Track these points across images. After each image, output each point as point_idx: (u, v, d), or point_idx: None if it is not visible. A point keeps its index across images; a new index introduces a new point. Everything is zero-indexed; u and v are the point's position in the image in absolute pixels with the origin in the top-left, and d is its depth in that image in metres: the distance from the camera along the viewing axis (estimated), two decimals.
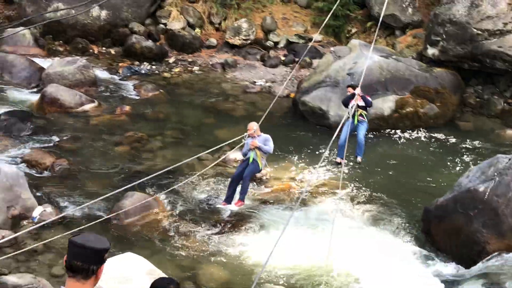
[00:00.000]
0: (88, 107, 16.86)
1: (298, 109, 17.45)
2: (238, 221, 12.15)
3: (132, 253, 9.57)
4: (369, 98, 12.53)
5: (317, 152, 15.19)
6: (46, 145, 14.61)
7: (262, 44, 22.29)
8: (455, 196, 11.76)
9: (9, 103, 16.78)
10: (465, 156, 15.47)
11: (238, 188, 12.63)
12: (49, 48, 20.91)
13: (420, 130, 16.82)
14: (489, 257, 10.80)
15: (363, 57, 17.23)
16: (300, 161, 14.75)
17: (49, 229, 11.13)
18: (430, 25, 19.10)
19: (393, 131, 16.78)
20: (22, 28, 19.02)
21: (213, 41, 22.43)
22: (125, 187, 9.03)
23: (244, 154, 12.70)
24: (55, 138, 14.96)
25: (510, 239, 10.88)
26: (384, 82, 17.14)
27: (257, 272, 10.49)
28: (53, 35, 21.40)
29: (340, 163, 12.57)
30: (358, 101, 12.38)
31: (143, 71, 20.32)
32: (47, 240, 9.42)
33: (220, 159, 12.43)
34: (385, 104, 16.91)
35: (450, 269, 11.09)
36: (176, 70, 20.74)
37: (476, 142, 16.20)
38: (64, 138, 15.03)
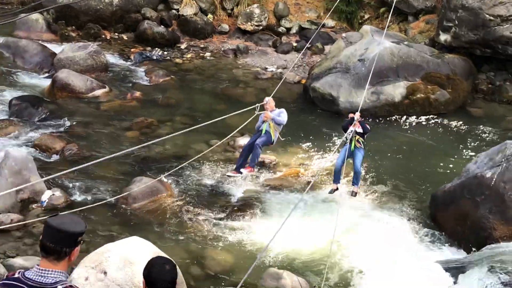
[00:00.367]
0: (99, 92, 16.93)
1: (309, 95, 17.41)
2: (245, 206, 12.23)
3: (138, 237, 9.63)
4: (368, 126, 12.38)
5: (326, 138, 15.21)
6: (56, 130, 14.72)
7: (274, 30, 22.20)
8: (463, 182, 11.78)
9: (20, 88, 16.91)
10: (475, 142, 15.40)
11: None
12: (62, 33, 20.94)
13: (431, 116, 16.71)
14: (495, 242, 10.82)
15: (375, 43, 17.18)
16: (309, 147, 14.77)
17: (58, 213, 11.24)
18: (442, 11, 18.94)
19: (404, 117, 16.70)
20: (34, 12, 19.16)
21: (225, 27, 22.38)
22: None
23: (258, 127, 12.54)
24: (66, 123, 15.07)
25: None
26: (395, 68, 17.05)
27: (262, 258, 10.58)
28: (66, 20, 21.43)
29: (336, 189, 12.37)
30: (356, 127, 12.24)
31: (154, 57, 20.32)
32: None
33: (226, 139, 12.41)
34: (396, 90, 16.83)
35: (457, 254, 11.09)
36: (188, 56, 20.74)
37: (486, 129, 16.09)
38: (74, 123, 15.13)
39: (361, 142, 12.19)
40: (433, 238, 11.54)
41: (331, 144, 14.82)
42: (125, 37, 21.56)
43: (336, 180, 12.24)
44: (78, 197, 12.07)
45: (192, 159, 11.94)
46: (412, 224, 11.99)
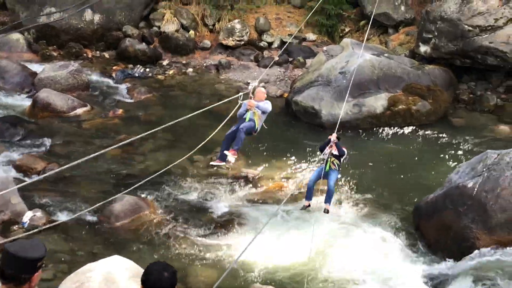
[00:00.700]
0: (80, 111, 16.85)
1: (291, 109, 17.40)
2: (228, 222, 12.17)
3: (119, 256, 9.52)
4: (344, 149, 12.32)
5: (309, 151, 15.15)
6: (37, 150, 14.61)
7: (256, 44, 22.20)
8: (445, 192, 11.77)
9: (1, 108, 16.80)
10: (457, 152, 15.38)
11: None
12: (42, 53, 20.83)
13: (413, 127, 16.70)
14: (478, 252, 10.79)
15: (355, 56, 17.17)
16: (293, 161, 14.71)
17: (39, 234, 11.11)
18: (422, 23, 19.06)
19: (386, 128, 16.68)
20: (14, 31, 19.07)
21: (207, 42, 22.36)
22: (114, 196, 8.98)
23: (240, 115, 11.91)
24: (47, 143, 14.95)
25: (499, 235, 10.85)
26: (376, 80, 17.08)
27: (247, 273, 10.52)
28: (47, 40, 21.32)
29: (308, 206, 12.31)
30: (332, 149, 12.23)
31: (136, 74, 20.24)
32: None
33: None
34: (377, 102, 16.85)
35: (440, 265, 11.04)
36: (170, 72, 20.68)
37: (469, 138, 16.10)
38: (56, 142, 15.03)
39: (336, 164, 12.11)
40: (416, 248, 11.51)
41: (314, 157, 14.76)
42: (106, 55, 21.47)
43: (308, 197, 12.18)
44: (59, 216, 11.94)
45: (162, 170, 11.54)
46: (395, 234, 11.93)
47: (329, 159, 12.11)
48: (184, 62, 21.47)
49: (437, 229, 11.54)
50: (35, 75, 18.29)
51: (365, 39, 16.75)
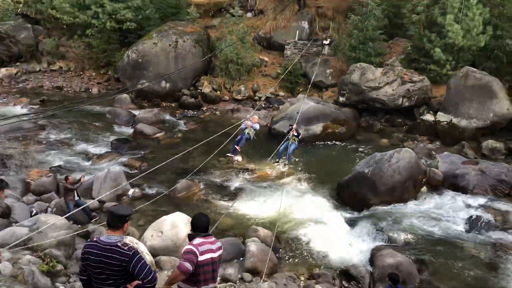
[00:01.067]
0: (159, 135, 16.80)
1: (271, 132, 17.35)
2: (238, 192, 12.10)
3: (180, 212, 9.55)
4: (300, 131, 12.55)
5: (281, 155, 15.10)
6: (136, 155, 14.59)
7: (252, 98, 22.17)
8: (353, 175, 11.83)
9: (117, 134, 16.77)
10: (360, 154, 15.33)
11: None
12: (139, 104, 20.84)
13: (336, 142, 16.64)
14: (372, 208, 10.83)
15: (305, 103, 17.25)
16: (271, 160, 14.61)
17: (138, 201, 11.13)
18: (340, 85, 19.13)
19: (322, 142, 16.62)
20: (123, 92, 19.12)
21: (226, 97, 22.22)
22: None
23: (242, 129, 12.95)
24: (142, 152, 14.94)
25: (382, 197, 10.93)
26: (316, 116, 17.04)
27: (248, 220, 10.44)
28: (141, 97, 21.31)
29: (278, 161, 12.54)
30: (293, 132, 12.35)
31: (189, 115, 20.19)
32: (137, 207, 9.44)
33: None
34: (317, 128, 16.77)
35: (352, 214, 11.10)
36: (206, 113, 20.62)
37: (365, 147, 16.05)
38: (146, 151, 15.00)
39: (295, 140, 12.26)
40: (338, 206, 11.52)
41: (284, 158, 14.76)
42: (173, 105, 21.45)
43: (278, 156, 12.29)
44: (148, 191, 11.95)
45: (201, 165, 11.46)
46: (328, 198, 11.92)
47: (291, 137, 12.28)
48: (214, 108, 21.39)
49: (349, 195, 11.59)
50: (135, 116, 18.27)
51: (306, 94, 16.84)
